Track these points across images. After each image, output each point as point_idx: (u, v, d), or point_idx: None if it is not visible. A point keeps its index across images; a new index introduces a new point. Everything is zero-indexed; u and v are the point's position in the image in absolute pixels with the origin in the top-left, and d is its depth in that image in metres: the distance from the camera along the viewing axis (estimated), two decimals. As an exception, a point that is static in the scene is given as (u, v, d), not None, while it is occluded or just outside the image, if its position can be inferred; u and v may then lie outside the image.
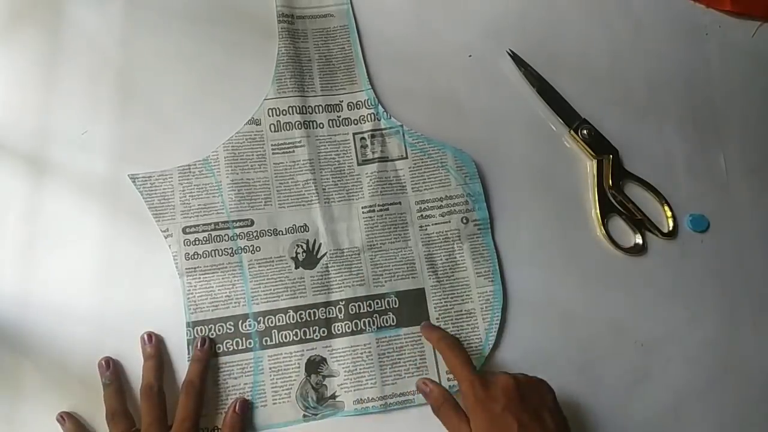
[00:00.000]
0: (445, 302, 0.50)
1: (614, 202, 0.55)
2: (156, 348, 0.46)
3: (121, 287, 0.48)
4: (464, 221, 0.52)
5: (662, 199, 0.56)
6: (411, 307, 0.50)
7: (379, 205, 0.52)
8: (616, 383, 0.51)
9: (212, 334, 0.48)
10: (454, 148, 0.54)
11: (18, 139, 0.51)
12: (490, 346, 0.49)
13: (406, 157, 0.54)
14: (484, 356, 0.49)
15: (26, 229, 0.49)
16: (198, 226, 0.50)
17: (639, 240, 0.54)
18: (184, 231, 0.49)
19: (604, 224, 0.54)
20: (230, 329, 0.48)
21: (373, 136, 0.54)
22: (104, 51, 0.54)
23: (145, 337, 0.46)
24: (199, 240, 0.49)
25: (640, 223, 0.55)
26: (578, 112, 0.57)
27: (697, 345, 0.53)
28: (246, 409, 0.46)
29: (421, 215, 0.52)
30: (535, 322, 0.51)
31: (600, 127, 0.56)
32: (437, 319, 0.50)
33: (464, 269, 0.51)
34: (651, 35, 0.61)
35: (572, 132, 0.56)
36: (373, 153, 0.53)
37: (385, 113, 0.54)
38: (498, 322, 0.50)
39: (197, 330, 0.48)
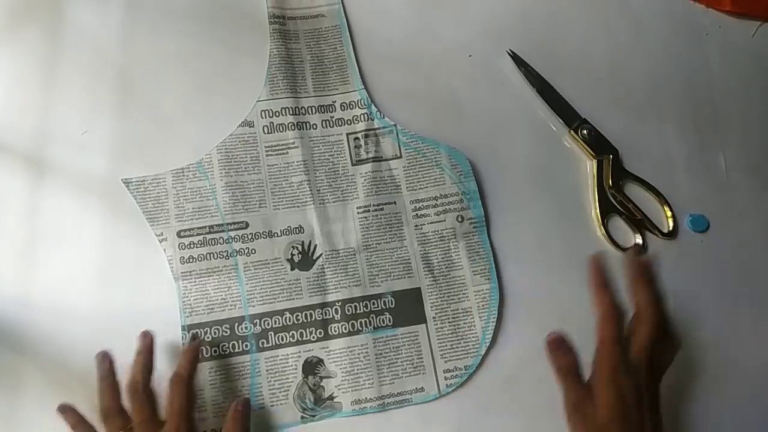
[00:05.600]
0: (441, 301, 0.50)
1: (614, 202, 0.55)
2: (147, 345, 0.44)
3: (120, 287, 0.48)
4: (459, 219, 0.52)
5: (662, 199, 0.56)
6: (407, 307, 0.50)
7: (374, 205, 0.52)
8: (615, 383, 0.50)
9: (208, 337, 0.48)
10: (447, 146, 0.54)
11: (18, 139, 0.51)
12: (487, 344, 0.49)
13: (401, 157, 0.54)
14: (481, 355, 0.49)
15: (26, 229, 0.49)
16: (193, 229, 0.50)
17: (639, 240, 0.54)
18: (178, 235, 0.49)
19: (604, 224, 0.54)
20: (226, 332, 0.48)
21: (366, 136, 0.54)
22: (104, 51, 0.54)
23: (140, 334, 0.45)
24: (194, 243, 0.49)
25: (640, 223, 0.55)
26: (578, 112, 0.57)
27: (697, 345, 0.52)
28: (248, 406, 0.46)
29: (416, 214, 0.52)
30: (533, 320, 0.51)
31: (600, 127, 0.56)
32: (433, 318, 0.50)
33: (460, 268, 0.51)
34: (651, 35, 0.61)
35: (572, 132, 0.56)
36: (367, 153, 0.53)
37: (378, 113, 0.54)
38: (495, 320, 0.50)
39: (192, 333, 0.48)
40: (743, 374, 0.52)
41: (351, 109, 0.55)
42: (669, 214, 0.55)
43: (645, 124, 0.58)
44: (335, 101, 0.55)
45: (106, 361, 0.44)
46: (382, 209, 0.52)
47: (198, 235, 0.50)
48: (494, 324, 0.50)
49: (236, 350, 0.48)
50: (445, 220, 0.52)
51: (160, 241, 0.49)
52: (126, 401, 0.42)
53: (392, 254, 0.51)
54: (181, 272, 0.49)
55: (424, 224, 0.52)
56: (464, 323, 0.50)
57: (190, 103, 0.53)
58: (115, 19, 0.55)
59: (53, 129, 0.51)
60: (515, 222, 0.53)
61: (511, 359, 0.50)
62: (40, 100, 0.52)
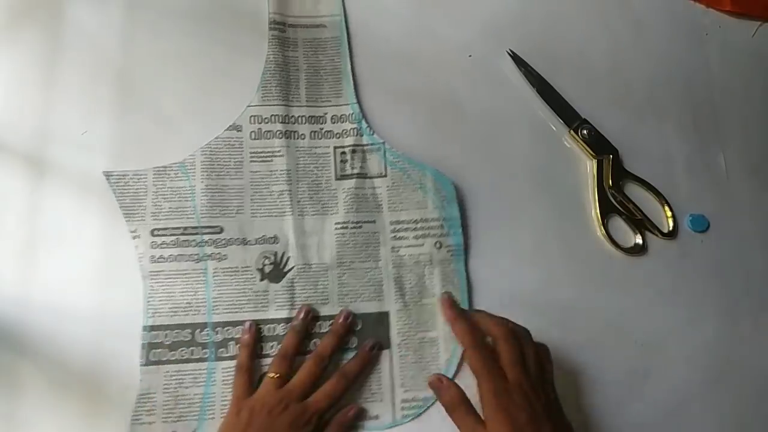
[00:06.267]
0: (409, 328, 0.49)
1: (614, 202, 0.55)
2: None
3: (120, 287, 0.48)
4: (438, 246, 0.51)
5: (662, 199, 0.56)
6: (373, 331, 0.49)
7: (352, 222, 0.51)
8: (616, 383, 0.51)
9: (168, 341, 0.47)
10: (434, 170, 0.52)
11: (18, 139, 0.51)
12: (450, 377, 0.48)
13: (385, 176, 0.52)
14: None
15: (26, 229, 0.49)
16: (167, 229, 0.49)
17: (639, 240, 0.54)
18: (152, 233, 0.49)
19: (604, 224, 0.54)
20: (187, 337, 0.47)
21: (353, 152, 0.53)
22: (104, 51, 0.54)
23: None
24: (166, 243, 0.49)
25: (640, 223, 0.55)
26: (578, 112, 0.57)
27: (697, 345, 0.53)
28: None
29: (395, 236, 0.51)
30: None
31: (600, 127, 0.56)
32: (398, 344, 0.49)
33: (432, 295, 0.50)
34: (651, 35, 0.61)
35: (572, 132, 0.56)
36: (352, 168, 0.52)
37: (368, 129, 0.53)
38: (461, 353, 0.48)
39: (153, 335, 0.47)
40: (743, 374, 0.52)
41: (341, 122, 0.54)
42: (669, 214, 0.55)
43: (645, 124, 0.58)
44: (326, 113, 0.54)
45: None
46: (361, 227, 0.51)
47: (171, 235, 0.49)
48: (460, 357, 0.48)
49: (194, 356, 0.47)
50: (423, 245, 0.51)
51: (133, 238, 0.48)
52: (273, 360, 0.46)
53: (365, 274, 0.50)
54: (150, 271, 0.48)
55: (401, 247, 0.51)
56: (429, 353, 0.49)
57: (190, 103, 0.53)
58: (115, 19, 0.55)
59: (53, 129, 0.51)
60: (516, 223, 0.53)
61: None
62: (40, 100, 0.52)
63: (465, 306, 0.50)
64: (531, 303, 0.52)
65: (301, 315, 0.48)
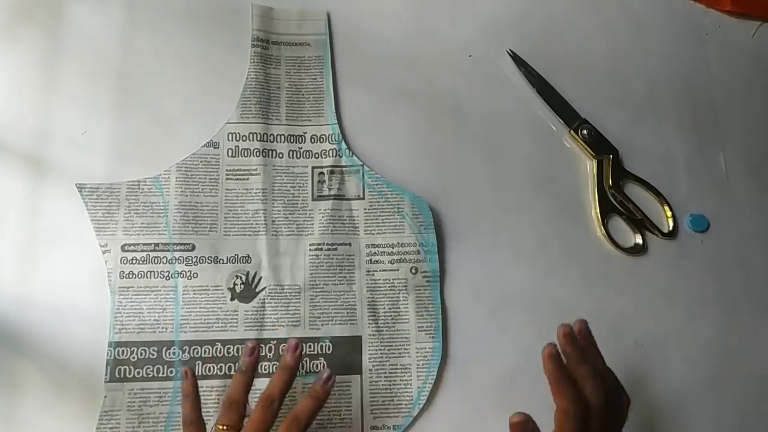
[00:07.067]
0: (381, 353, 0.48)
1: (614, 202, 0.55)
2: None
3: (120, 287, 0.48)
4: (413, 271, 0.50)
5: (662, 199, 0.56)
6: (344, 355, 0.48)
7: (327, 244, 0.50)
8: (616, 383, 0.51)
9: (134, 358, 0.46)
10: (412, 194, 0.52)
11: (18, 139, 0.51)
12: (421, 405, 0.48)
13: (363, 198, 0.52)
14: (412, 416, 0.47)
15: (26, 229, 0.49)
16: (138, 245, 0.48)
17: (639, 240, 0.54)
18: (122, 248, 0.48)
19: (604, 224, 0.54)
20: (153, 354, 0.46)
21: (332, 173, 0.52)
22: (104, 51, 0.54)
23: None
24: (136, 259, 0.48)
25: (640, 223, 0.55)
26: (578, 112, 0.57)
27: (697, 345, 0.53)
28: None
29: (370, 260, 0.50)
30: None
31: (600, 127, 0.56)
32: (370, 370, 0.48)
33: (406, 321, 0.49)
34: (651, 35, 0.61)
35: (572, 132, 0.56)
36: (330, 189, 0.52)
37: (347, 150, 0.53)
38: (432, 381, 0.48)
39: (119, 351, 0.46)
40: (743, 374, 0.52)
41: (321, 142, 0.53)
42: (669, 214, 0.55)
43: (645, 124, 0.58)
44: (306, 132, 0.53)
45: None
46: (336, 249, 0.50)
47: (142, 251, 0.48)
48: (431, 385, 0.48)
49: (160, 375, 0.46)
50: (398, 270, 0.50)
51: (103, 253, 0.48)
52: (220, 409, 0.41)
53: (338, 297, 0.49)
54: (119, 287, 0.47)
55: (376, 271, 0.50)
56: (401, 380, 0.48)
57: (190, 103, 0.53)
58: (115, 19, 0.55)
59: (53, 129, 0.51)
60: (517, 223, 0.53)
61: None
62: (40, 100, 0.52)
63: (439, 333, 0.49)
64: (531, 303, 0.52)
65: (248, 353, 0.42)
